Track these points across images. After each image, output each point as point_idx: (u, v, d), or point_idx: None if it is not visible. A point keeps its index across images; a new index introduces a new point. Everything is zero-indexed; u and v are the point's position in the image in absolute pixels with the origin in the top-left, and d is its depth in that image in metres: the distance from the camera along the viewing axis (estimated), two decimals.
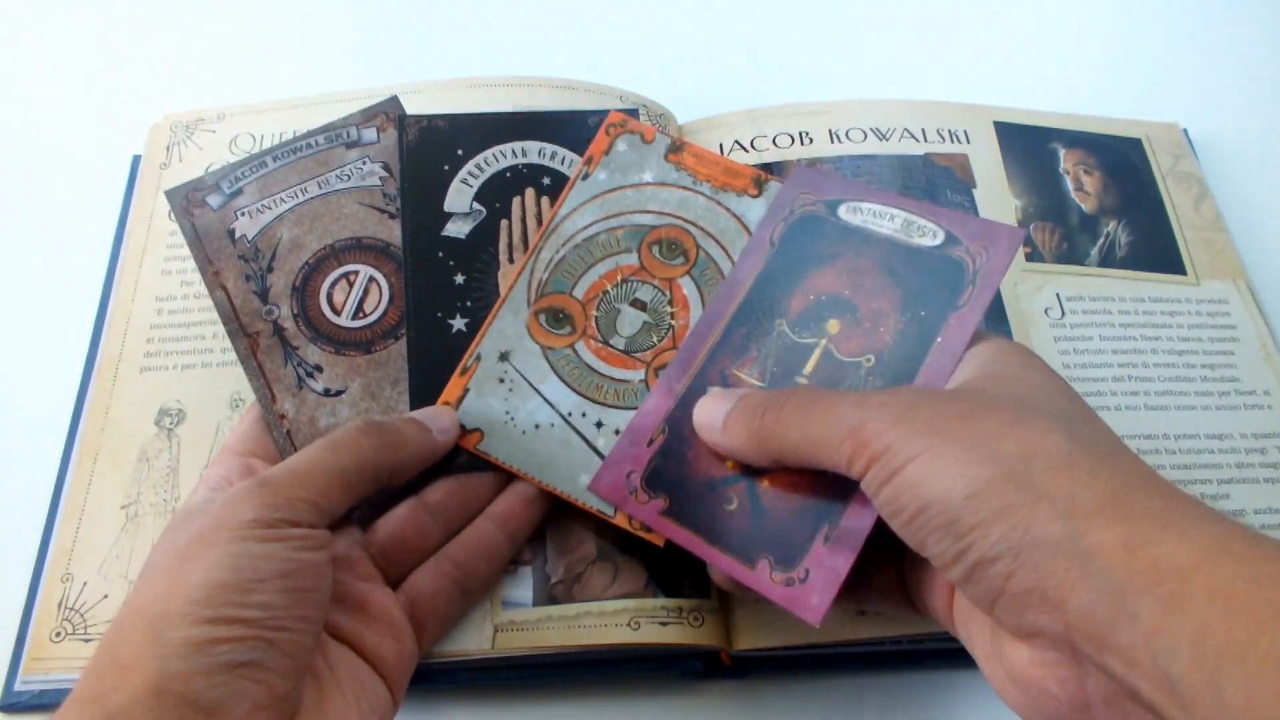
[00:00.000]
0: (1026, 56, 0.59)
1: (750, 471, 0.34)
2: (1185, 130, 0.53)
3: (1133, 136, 0.52)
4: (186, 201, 0.42)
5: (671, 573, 0.38)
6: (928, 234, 0.37)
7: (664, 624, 0.37)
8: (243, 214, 0.42)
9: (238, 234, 0.41)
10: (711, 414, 0.34)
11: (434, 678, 0.38)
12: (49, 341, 0.47)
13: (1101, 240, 0.48)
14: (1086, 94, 0.56)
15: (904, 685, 0.39)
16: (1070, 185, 0.50)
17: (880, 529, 0.33)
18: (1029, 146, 0.51)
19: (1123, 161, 0.51)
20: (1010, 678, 0.27)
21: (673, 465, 0.36)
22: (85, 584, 0.39)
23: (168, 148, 0.49)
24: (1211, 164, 0.53)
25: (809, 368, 0.36)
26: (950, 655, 0.39)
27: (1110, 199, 0.50)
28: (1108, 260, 0.48)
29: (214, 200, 0.42)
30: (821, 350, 0.36)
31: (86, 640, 0.38)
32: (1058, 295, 0.47)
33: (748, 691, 0.39)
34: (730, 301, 0.38)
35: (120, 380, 0.43)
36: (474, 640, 0.37)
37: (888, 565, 0.34)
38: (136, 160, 0.51)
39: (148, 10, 0.59)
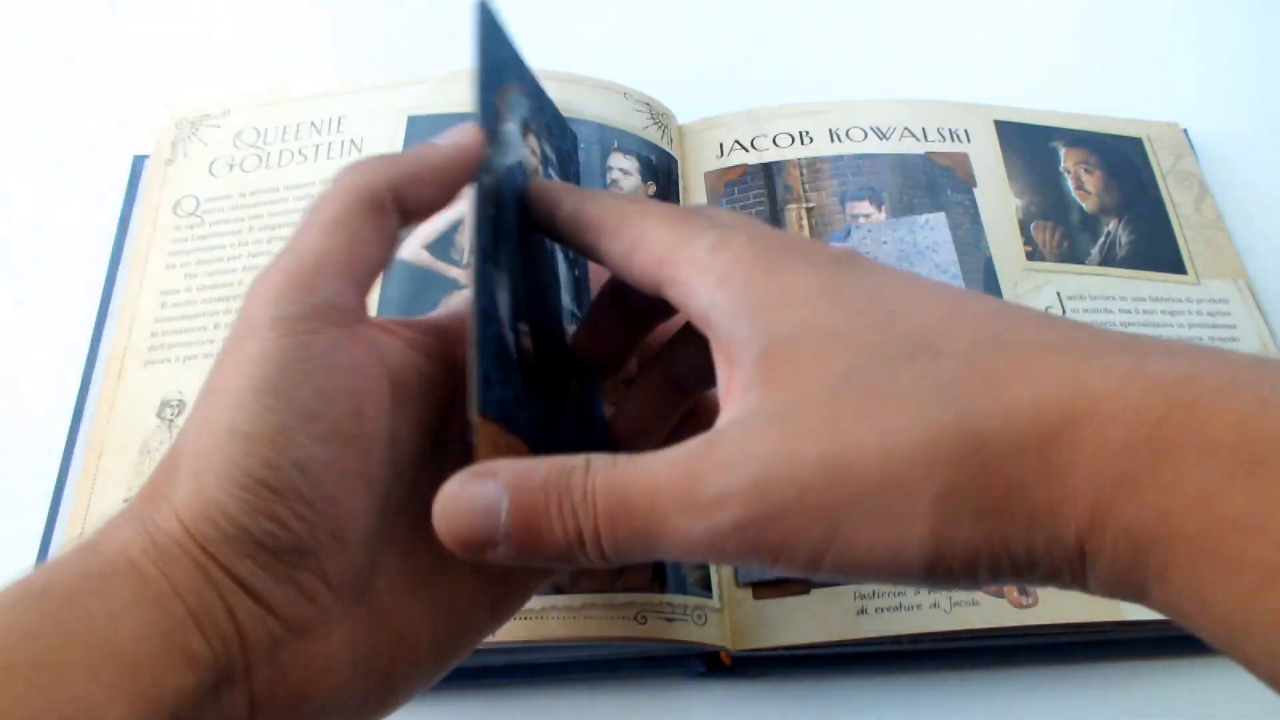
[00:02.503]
0: (1027, 55, 0.59)
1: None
2: (1185, 130, 0.53)
3: (1133, 136, 0.52)
4: None
5: (677, 569, 0.38)
6: None
7: (670, 619, 0.37)
8: None
9: None
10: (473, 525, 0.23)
11: None
12: (48, 340, 0.47)
13: (1102, 239, 0.48)
14: (1087, 93, 0.56)
15: (904, 685, 0.39)
16: (1071, 184, 0.50)
17: None
18: (1030, 145, 0.51)
19: (1123, 161, 0.51)
20: None
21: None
22: None
23: (173, 144, 0.50)
24: (1211, 164, 0.52)
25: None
26: (950, 655, 0.40)
27: (1111, 198, 0.50)
28: (1108, 259, 0.48)
29: None
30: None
31: None
32: (1058, 294, 0.46)
33: (748, 691, 0.39)
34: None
35: (125, 376, 0.43)
36: None
37: None
38: (138, 159, 0.51)
39: (149, 6, 0.59)
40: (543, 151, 0.32)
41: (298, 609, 0.23)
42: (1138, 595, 0.20)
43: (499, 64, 0.30)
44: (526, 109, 0.31)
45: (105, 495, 0.40)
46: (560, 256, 0.33)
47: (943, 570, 0.21)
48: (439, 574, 0.26)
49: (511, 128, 0.30)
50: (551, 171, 0.32)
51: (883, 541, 0.21)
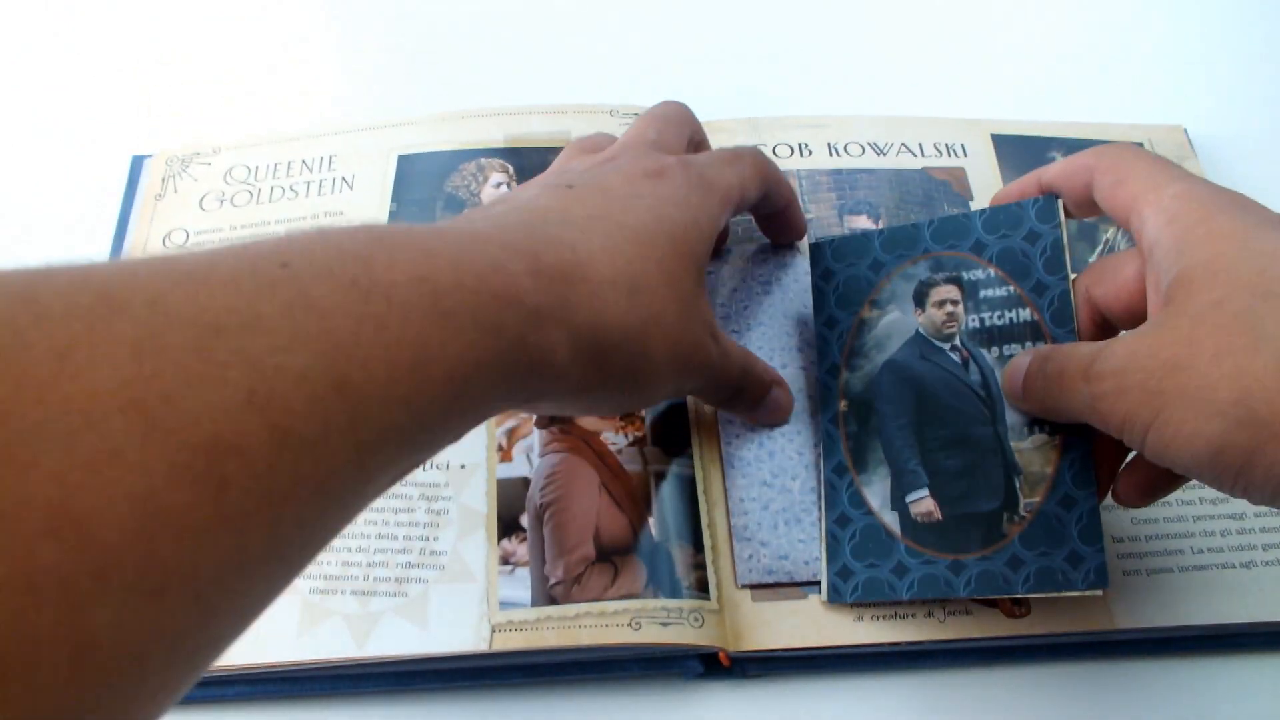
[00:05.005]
0: (1024, 66, 0.58)
1: None
2: (1186, 131, 0.53)
3: (1134, 140, 0.52)
4: None
5: (672, 573, 0.39)
6: None
7: (664, 624, 0.37)
8: None
9: None
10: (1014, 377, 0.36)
11: (430, 678, 0.38)
12: None
13: (1101, 246, 0.48)
14: (1088, 99, 0.56)
15: (904, 686, 0.39)
16: None
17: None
18: (1027, 157, 0.51)
19: None
20: None
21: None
22: None
23: (164, 180, 0.51)
24: (1212, 164, 0.52)
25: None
26: (950, 655, 0.39)
27: None
28: None
29: None
30: None
31: None
32: None
33: (748, 692, 0.39)
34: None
35: None
36: (470, 640, 0.37)
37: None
38: (129, 195, 0.51)
39: (144, 48, 0.60)
40: (966, 285, 0.38)
41: None
42: None
43: (851, 284, 0.40)
44: (920, 273, 0.39)
45: None
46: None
47: (1224, 467, 0.26)
48: None
49: (891, 317, 0.39)
50: (986, 291, 0.38)
51: (1186, 430, 0.27)
